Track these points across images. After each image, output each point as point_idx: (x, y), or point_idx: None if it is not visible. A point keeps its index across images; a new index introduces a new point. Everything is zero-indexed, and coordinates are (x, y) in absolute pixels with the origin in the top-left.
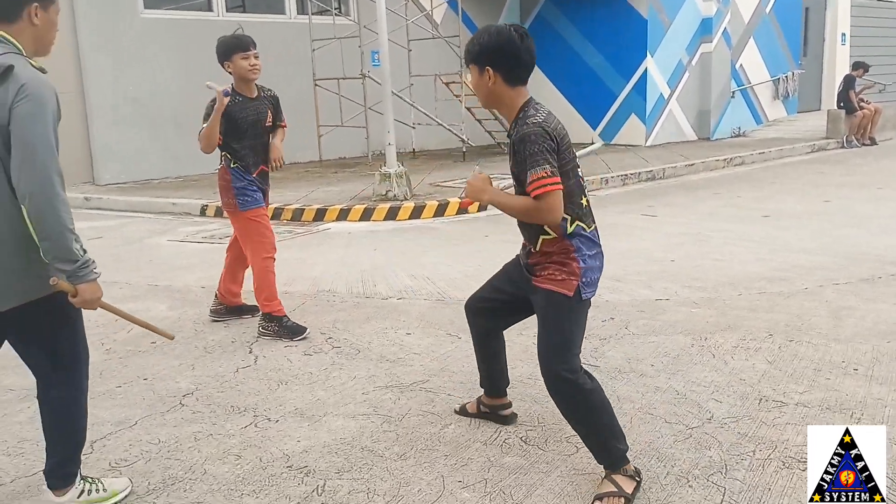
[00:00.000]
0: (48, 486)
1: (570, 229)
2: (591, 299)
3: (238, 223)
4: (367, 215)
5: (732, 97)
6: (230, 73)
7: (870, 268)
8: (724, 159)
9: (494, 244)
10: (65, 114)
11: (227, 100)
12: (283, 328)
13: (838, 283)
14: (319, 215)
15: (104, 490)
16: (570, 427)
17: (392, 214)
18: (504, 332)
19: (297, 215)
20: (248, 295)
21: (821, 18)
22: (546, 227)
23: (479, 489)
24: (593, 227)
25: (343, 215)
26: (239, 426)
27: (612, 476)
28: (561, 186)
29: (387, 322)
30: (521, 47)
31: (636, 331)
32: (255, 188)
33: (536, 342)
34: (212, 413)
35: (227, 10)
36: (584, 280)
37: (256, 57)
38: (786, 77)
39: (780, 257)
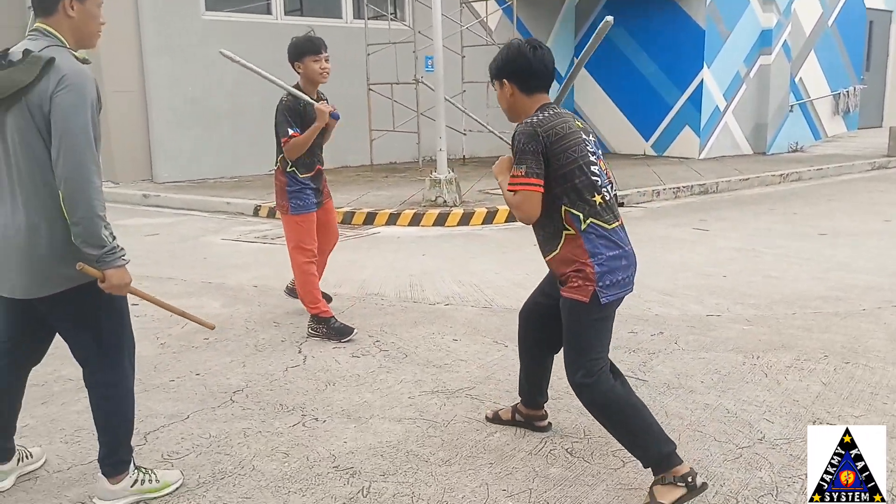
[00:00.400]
0: (102, 474)
1: (583, 226)
2: (625, 297)
3: (286, 225)
4: (416, 220)
5: (791, 111)
6: (299, 73)
7: None
8: (780, 174)
9: None
10: (126, 113)
11: (334, 124)
12: (331, 329)
13: None
14: (369, 219)
15: (157, 481)
16: (616, 441)
17: (441, 220)
18: (553, 353)
19: (348, 218)
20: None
21: (885, 32)
22: (564, 223)
23: (524, 499)
24: (615, 224)
25: (393, 220)
26: (287, 424)
27: (653, 486)
28: (533, 188)
29: (434, 327)
30: (532, 59)
31: (686, 346)
32: (309, 191)
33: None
34: (261, 410)
35: (285, 14)
36: (600, 284)
37: (327, 60)
38: (847, 92)
39: (836, 276)
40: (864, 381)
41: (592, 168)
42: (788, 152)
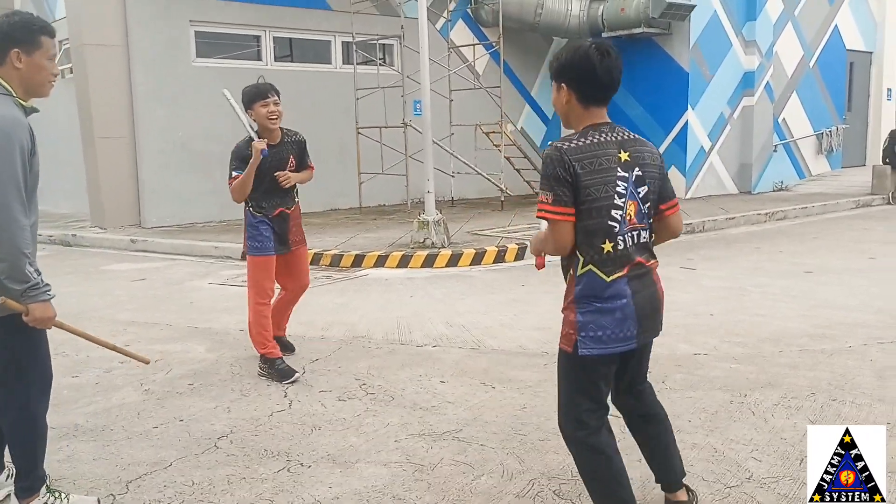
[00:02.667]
0: (15, 494)
1: (580, 271)
2: (611, 356)
3: (247, 264)
4: (404, 262)
5: (775, 151)
6: (255, 120)
7: None
8: (766, 213)
9: (531, 294)
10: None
11: (261, 158)
12: (274, 370)
13: (883, 342)
14: (357, 261)
15: None
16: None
17: (429, 262)
18: (656, 414)
19: (336, 261)
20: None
21: (866, 73)
22: (569, 261)
23: None
24: (616, 276)
25: (381, 262)
26: (272, 470)
27: None
28: (560, 217)
29: (421, 369)
30: (598, 66)
31: (674, 385)
32: (268, 234)
33: None
34: (245, 456)
35: (275, 60)
36: (581, 334)
37: (276, 104)
38: (829, 132)
39: (822, 314)
40: (851, 419)
41: (613, 213)
42: (773, 191)
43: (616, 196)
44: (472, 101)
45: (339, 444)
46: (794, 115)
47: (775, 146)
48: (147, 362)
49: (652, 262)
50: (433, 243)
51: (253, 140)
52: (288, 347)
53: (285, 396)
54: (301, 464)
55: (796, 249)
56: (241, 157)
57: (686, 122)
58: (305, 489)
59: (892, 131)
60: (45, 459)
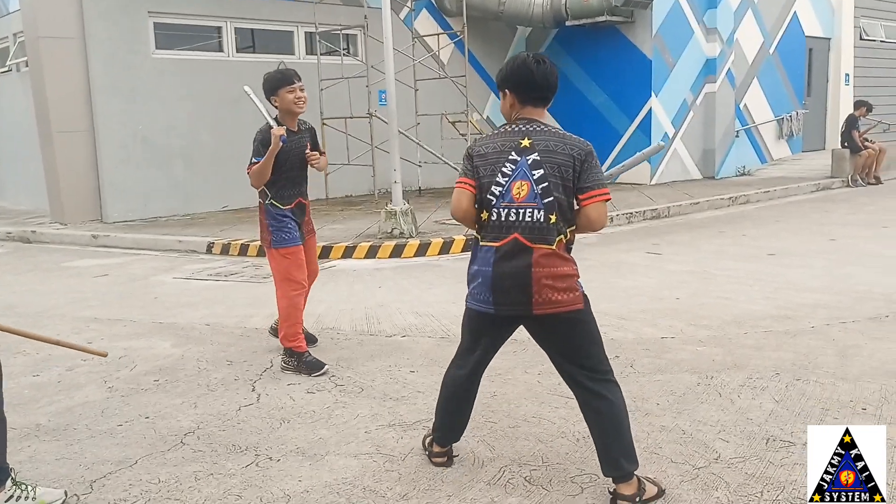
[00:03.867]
0: None
1: (475, 234)
2: (495, 314)
3: (271, 259)
4: (372, 253)
5: (737, 136)
6: (276, 106)
7: (876, 306)
8: (729, 198)
9: None
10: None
11: (282, 145)
12: (302, 363)
13: (845, 321)
14: (325, 253)
15: (33, 499)
16: (574, 467)
17: (397, 252)
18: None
19: None
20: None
21: (824, 59)
22: None
23: None
24: (487, 244)
25: (348, 253)
26: (240, 465)
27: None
28: (461, 186)
29: (391, 360)
30: (535, 72)
31: (641, 369)
32: (291, 225)
33: None
34: (213, 452)
35: (237, 51)
36: (468, 286)
37: (302, 90)
38: (790, 117)
39: (785, 296)
40: (815, 398)
41: (493, 189)
42: (736, 176)
43: (500, 175)
44: (438, 90)
45: (309, 436)
46: (756, 100)
47: (737, 132)
48: (104, 355)
49: (539, 245)
50: (401, 233)
51: (272, 127)
52: (311, 339)
53: (253, 390)
54: (270, 458)
55: (759, 233)
56: (263, 144)
57: (650, 109)
58: (275, 483)
59: (849, 115)
60: (6, 453)
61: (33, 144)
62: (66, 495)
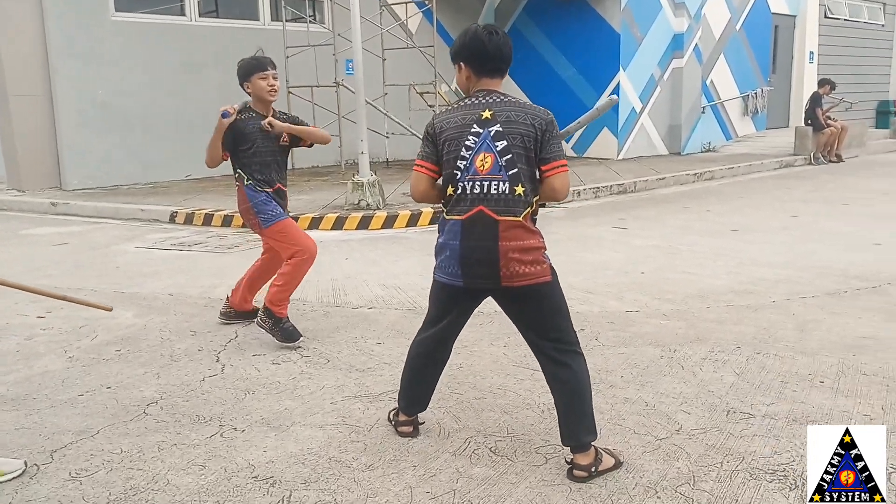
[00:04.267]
0: None
1: (444, 210)
2: (460, 287)
3: (269, 240)
4: (339, 224)
5: (703, 112)
6: (249, 93)
7: (835, 281)
8: (695, 174)
9: None
10: (31, 118)
11: (226, 121)
12: (277, 328)
13: (805, 296)
14: None
15: None
16: (539, 438)
17: (364, 224)
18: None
19: None
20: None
21: (790, 36)
22: None
23: (448, 500)
24: (453, 218)
25: (315, 224)
26: (204, 436)
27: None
28: (416, 168)
29: (357, 331)
30: (486, 43)
31: (606, 342)
32: (272, 202)
33: None
34: (176, 422)
35: (199, 15)
36: (436, 259)
37: (275, 78)
38: (755, 94)
39: (747, 271)
40: (774, 371)
41: (458, 163)
42: (702, 152)
43: (463, 149)
44: (406, 60)
45: (274, 407)
46: (722, 77)
47: (703, 108)
48: (109, 310)
49: (505, 217)
50: (368, 205)
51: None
52: (245, 317)
53: (217, 361)
54: (234, 428)
55: (723, 209)
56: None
57: (618, 84)
58: (239, 453)
59: (813, 93)
60: None
61: None
62: (26, 465)
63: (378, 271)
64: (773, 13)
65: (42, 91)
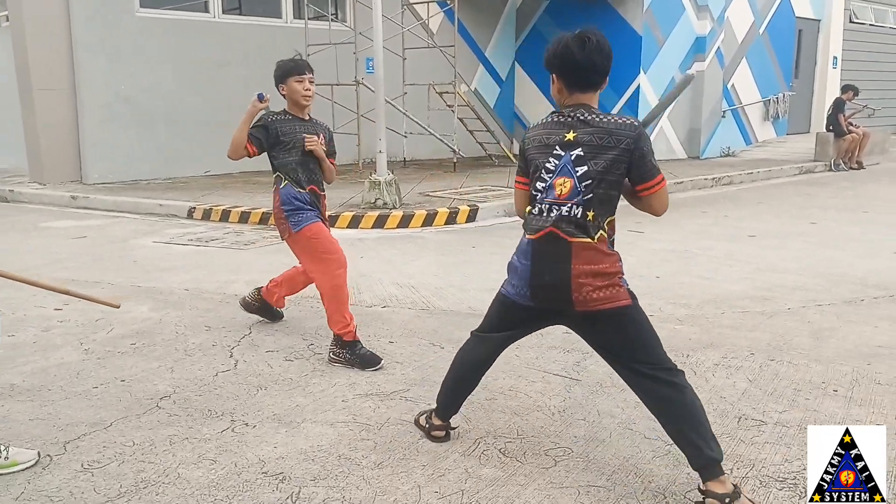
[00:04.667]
0: None
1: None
2: (523, 303)
3: (297, 246)
4: (355, 223)
5: (723, 117)
6: (283, 95)
7: (852, 290)
8: (713, 178)
9: (481, 255)
10: (55, 111)
11: (260, 105)
12: (354, 356)
13: (821, 304)
14: None
15: (5, 458)
16: (549, 440)
17: (380, 223)
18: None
19: None
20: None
21: (813, 41)
22: None
23: (456, 500)
24: (529, 237)
25: (331, 222)
26: (215, 430)
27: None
28: (518, 186)
29: (370, 330)
30: (577, 54)
31: None
32: (307, 206)
33: None
34: (188, 417)
35: (223, 12)
36: (508, 273)
37: (312, 82)
38: (776, 99)
39: (764, 277)
40: (787, 378)
41: (538, 184)
42: (721, 156)
43: (544, 171)
44: (426, 60)
45: (285, 403)
46: (743, 81)
47: (724, 112)
48: (117, 307)
49: (579, 238)
50: (384, 204)
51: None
52: (278, 315)
53: (231, 357)
54: (246, 423)
55: (741, 214)
56: (261, 126)
57: (638, 86)
58: (250, 449)
59: (836, 99)
60: None
61: (13, 102)
62: (40, 456)
63: (392, 270)
64: (797, 17)
65: (66, 85)
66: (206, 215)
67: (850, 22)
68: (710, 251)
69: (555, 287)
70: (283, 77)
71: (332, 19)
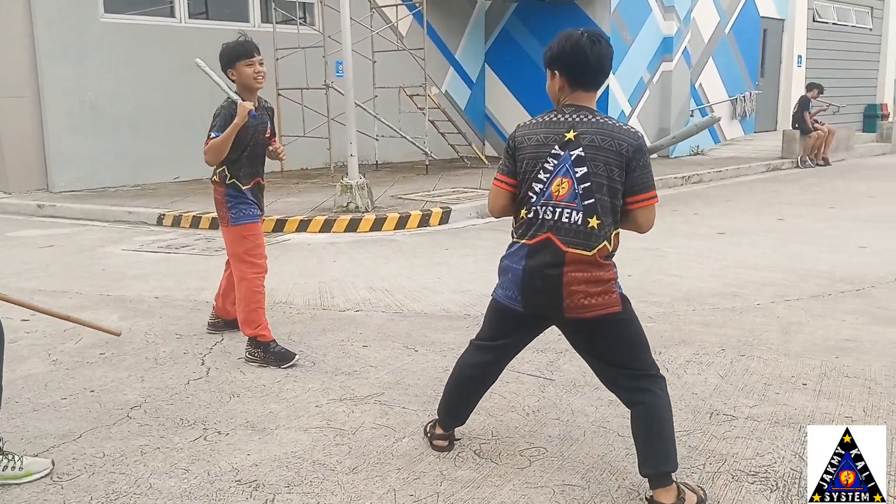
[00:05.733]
0: None
1: (512, 230)
2: (512, 307)
3: (229, 237)
4: (327, 227)
5: (691, 116)
6: (233, 80)
7: (819, 284)
8: (683, 177)
9: (454, 257)
10: (19, 120)
11: (250, 119)
12: (269, 354)
13: (789, 299)
14: (279, 226)
15: (20, 468)
16: (523, 440)
17: (353, 226)
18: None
19: None
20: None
21: (778, 40)
22: None
23: (431, 503)
24: (521, 241)
25: (303, 226)
26: (187, 439)
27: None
28: (496, 182)
29: (343, 334)
30: (589, 53)
31: None
32: (250, 201)
33: None
34: (160, 426)
35: (189, 17)
36: (499, 278)
37: (261, 64)
38: (743, 97)
39: (733, 273)
40: (758, 373)
41: (534, 185)
42: (690, 155)
43: (541, 171)
44: (396, 63)
45: (258, 410)
46: (710, 80)
47: (692, 111)
48: (117, 335)
49: (574, 249)
50: (357, 207)
51: (237, 102)
52: (233, 326)
53: (202, 364)
54: (218, 432)
55: (711, 212)
56: (225, 119)
57: (607, 87)
58: (223, 457)
59: (801, 97)
60: None
61: None
62: (53, 465)
63: (365, 274)
64: (761, 17)
65: (30, 92)
66: (176, 222)
67: (814, 21)
68: (680, 249)
69: (545, 293)
70: (231, 62)
71: (300, 23)
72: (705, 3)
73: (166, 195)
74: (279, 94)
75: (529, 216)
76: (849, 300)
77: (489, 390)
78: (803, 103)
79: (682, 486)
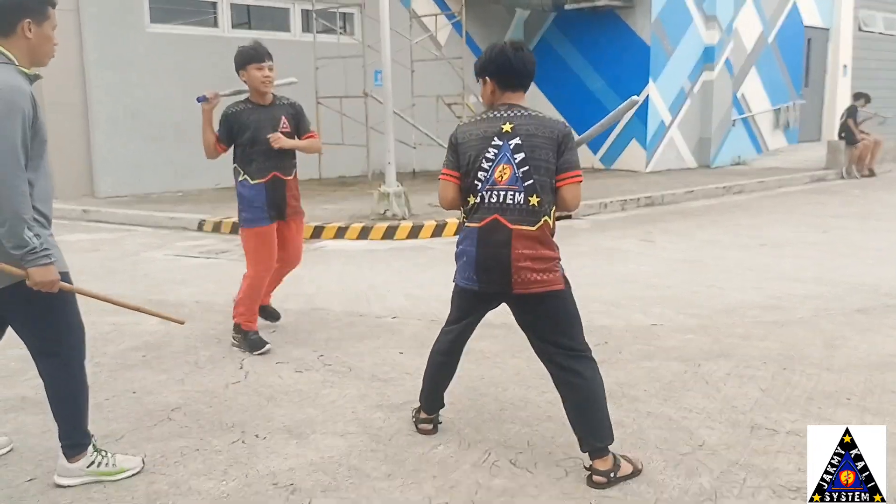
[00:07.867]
0: (62, 453)
1: (463, 218)
2: (477, 290)
3: (242, 237)
4: (364, 234)
5: (733, 126)
6: (244, 81)
7: (864, 298)
8: (724, 187)
9: None
10: (66, 126)
11: (206, 106)
12: (246, 340)
13: (833, 312)
14: (317, 233)
15: (114, 465)
16: (560, 451)
17: (390, 234)
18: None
19: None
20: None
21: (823, 49)
22: None
23: None
24: (472, 224)
25: (341, 234)
26: (226, 442)
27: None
28: (443, 177)
29: (380, 341)
30: (512, 59)
31: (629, 356)
32: (259, 203)
33: None
34: (199, 428)
35: (232, 27)
36: (456, 264)
37: (271, 69)
38: (787, 107)
39: (775, 286)
40: (800, 387)
41: (479, 174)
42: (731, 165)
43: (484, 160)
44: (434, 72)
45: (296, 415)
46: (753, 90)
47: (734, 121)
48: (182, 323)
49: (519, 226)
50: (394, 215)
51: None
52: (273, 316)
53: (241, 368)
54: (256, 435)
55: (752, 223)
56: (223, 119)
57: (647, 96)
58: (260, 461)
59: (849, 106)
60: (88, 420)
61: None
62: (144, 463)
63: (401, 281)
64: (805, 26)
65: (78, 100)
66: (217, 228)
67: (860, 30)
68: (721, 260)
69: (496, 270)
70: (242, 64)
71: (340, 33)
72: (748, 13)
73: (207, 201)
74: (318, 103)
75: (477, 201)
76: (894, 314)
77: (525, 400)
78: (851, 112)
79: (618, 456)
